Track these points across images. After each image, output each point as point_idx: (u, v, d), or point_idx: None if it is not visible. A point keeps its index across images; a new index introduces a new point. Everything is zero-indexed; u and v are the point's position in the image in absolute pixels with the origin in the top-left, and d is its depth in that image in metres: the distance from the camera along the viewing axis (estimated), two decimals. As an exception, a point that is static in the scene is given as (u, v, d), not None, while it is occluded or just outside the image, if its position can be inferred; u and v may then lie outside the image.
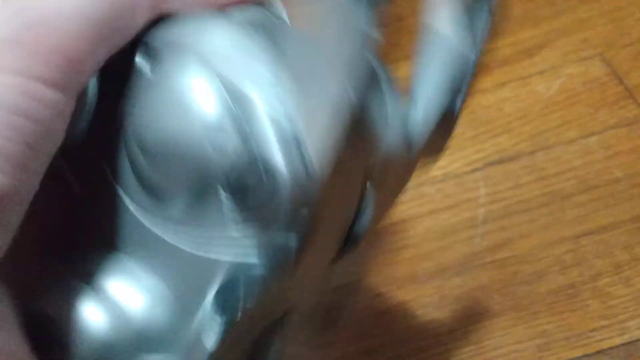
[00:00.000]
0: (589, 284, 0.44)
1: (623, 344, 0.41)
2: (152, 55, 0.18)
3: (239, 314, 0.18)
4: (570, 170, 0.50)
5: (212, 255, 0.18)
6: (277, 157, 0.17)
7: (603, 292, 0.44)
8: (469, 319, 0.44)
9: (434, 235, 0.49)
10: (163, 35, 0.19)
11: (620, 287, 0.44)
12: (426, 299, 0.46)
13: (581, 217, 0.47)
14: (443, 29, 0.25)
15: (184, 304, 0.19)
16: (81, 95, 0.18)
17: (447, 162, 0.53)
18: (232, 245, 0.18)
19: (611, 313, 0.43)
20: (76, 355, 0.19)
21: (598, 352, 0.41)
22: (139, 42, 0.19)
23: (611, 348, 0.41)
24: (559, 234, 0.47)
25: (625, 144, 0.51)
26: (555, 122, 0.53)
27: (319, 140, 0.17)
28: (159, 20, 0.19)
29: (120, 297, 0.19)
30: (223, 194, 0.17)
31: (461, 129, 0.54)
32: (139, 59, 0.19)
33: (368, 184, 0.22)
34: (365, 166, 0.22)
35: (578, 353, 0.42)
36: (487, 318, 0.44)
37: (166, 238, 0.19)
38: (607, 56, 0.57)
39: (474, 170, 0.52)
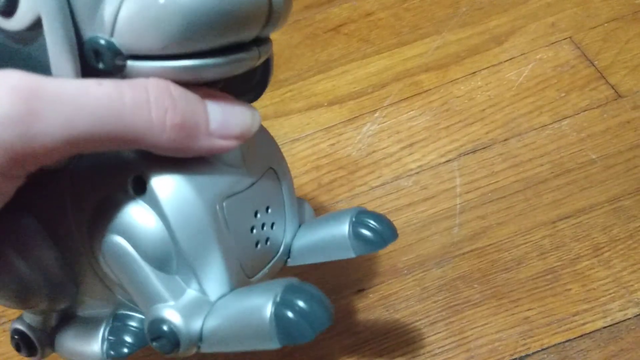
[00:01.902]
0: (568, 268, 0.44)
1: (606, 327, 0.41)
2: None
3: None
4: (544, 155, 0.50)
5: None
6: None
7: (583, 276, 0.44)
8: (451, 310, 0.44)
9: (413, 228, 0.49)
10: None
11: (600, 269, 0.44)
12: (408, 292, 0.46)
13: (557, 202, 0.47)
14: None
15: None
16: None
17: (422, 155, 0.53)
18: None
19: (592, 296, 0.43)
20: None
21: (581, 336, 0.41)
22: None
23: (594, 331, 0.41)
24: (536, 220, 0.47)
25: (598, 126, 0.51)
26: (527, 108, 0.53)
27: None
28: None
29: None
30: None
31: (435, 121, 0.54)
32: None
33: None
34: None
35: (561, 338, 0.42)
36: (468, 308, 0.44)
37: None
38: (576, 39, 0.57)
39: (448, 161, 0.52)
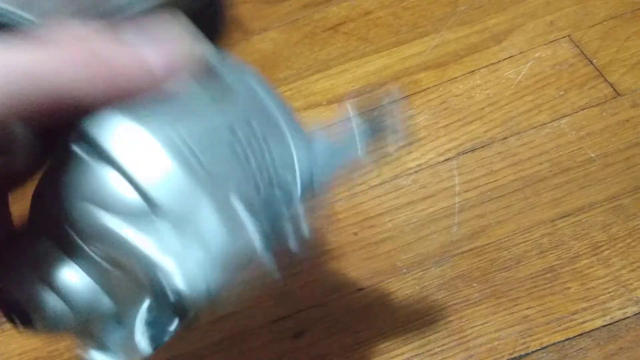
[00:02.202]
0: (567, 267, 0.44)
1: (605, 325, 0.41)
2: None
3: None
4: (543, 154, 0.50)
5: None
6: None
7: (582, 274, 0.44)
8: (450, 309, 0.44)
9: (412, 227, 0.49)
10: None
11: (600, 268, 0.44)
12: (407, 291, 0.46)
13: (556, 200, 0.47)
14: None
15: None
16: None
17: (421, 153, 0.53)
18: None
19: (592, 295, 0.43)
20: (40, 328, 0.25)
21: (581, 335, 0.41)
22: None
23: (593, 330, 0.41)
24: (536, 218, 0.47)
25: (597, 124, 0.51)
26: (526, 107, 0.53)
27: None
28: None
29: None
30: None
31: (433, 119, 0.54)
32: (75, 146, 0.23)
33: None
34: None
35: (560, 337, 0.42)
36: (467, 307, 0.44)
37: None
38: (574, 37, 0.56)
39: (447, 160, 0.52)
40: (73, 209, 0.24)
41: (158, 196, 0.23)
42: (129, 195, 0.23)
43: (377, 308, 0.45)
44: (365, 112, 0.28)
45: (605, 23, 0.57)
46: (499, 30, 0.59)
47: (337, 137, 0.30)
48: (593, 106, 0.52)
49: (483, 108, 0.54)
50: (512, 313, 0.43)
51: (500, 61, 0.57)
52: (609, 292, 0.43)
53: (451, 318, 0.44)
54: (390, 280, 0.46)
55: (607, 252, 0.44)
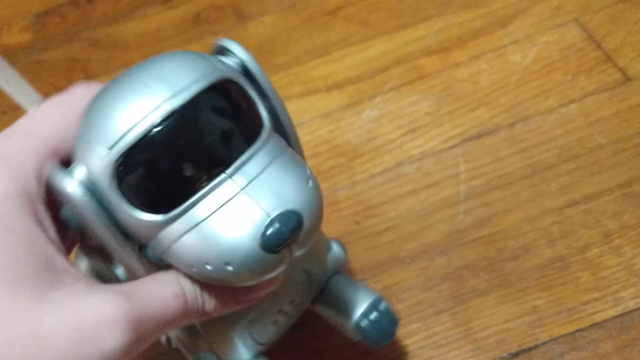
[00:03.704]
0: (578, 256, 0.43)
1: (617, 316, 0.40)
2: None
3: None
4: (551, 140, 0.48)
5: None
6: None
7: (593, 263, 0.42)
8: (456, 300, 0.43)
9: (416, 216, 0.47)
10: None
11: (611, 256, 0.42)
12: (411, 282, 0.44)
13: (566, 188, 0.46)
14: None
15: None
16: None
17: (424, 140, 0.51)
18: None
19: (603, 284, 0.41)
20: None
21: (592, 326, 0.40)
22: None
23: (606, 320, 0.40)
24: (544, 206, 0.45)
25: (607, 110, 0.49)
26: (533, 92, 0.51)
27: None
28: None
29: None
30: None
31: (437, 105, 0.52)
32: None
33: None
34: None
35: (571, 328, 0.40)
36: (474, 297, 0.43)
37: None
38: (582, 21, 0.55)
39: (452, 147, 0.50)
40: None
41: None
42: None
43: (380, 299, 0.44)
44: None
45: (613, 6, 0.55)
46: (504, 14, 0.57)
47: None
48: (602, 91, 0.50)
49: (488, 94, 0.52)
50: (521, 303, 0.42)
51: (505, 45, 0.55)
52: (621, 282, 0.41)
53: (457, 309, 0.42)
54: (393, 270, 0.45)
55: (618, 240, 0.43)
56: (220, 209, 0.26)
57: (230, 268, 0.26)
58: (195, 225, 0.26)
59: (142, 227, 0.26)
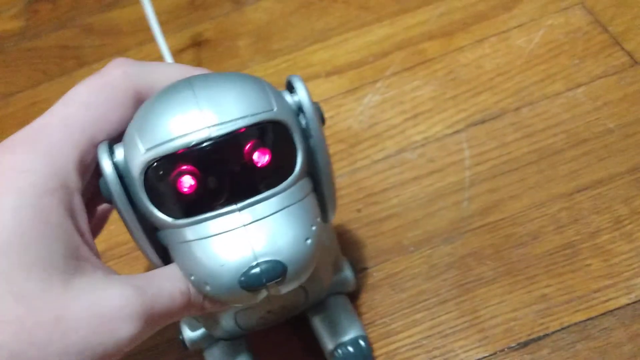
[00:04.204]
0: (588, 242, 0.41)
1: (630, 304, 0.38)
2: None
3: None
4: (558, 125, 0.47)
5: None
6: None
7: (604, 250, 0.41)
8: (462, 288, 0.41)
9: (419, 203, 0.46)
10: None
11: (622, 243, 0.41)
12: (415, 270, 0.43)
13: (574, 173, 0.44)
14: None
15: None
16: None
17: (427, 126, 0.49)
18: None
19: (615, 271, 0.40)
20: None
21: (604, 314, 0.38)
22: None
23: (618, 309, 0.38)
24: (552, 192, 0.44)
25: (615, 93, 0.48)
26: (539, 76, 0.50)
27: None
28: None
29: None
30: None
31: (440, 90, 0.51)
32: None
33: None
34: None
35: (582, 316, 0.39)
36: (481, 286, 0.41)
37: None
38: (588, 5, 0.53)
39: (456, 132, 0.49)
40: None
41: None
42: None
43: (383, 288, 0.42)
44: None
45: (619, -10, 0.54)
46: (507, -2, 0.56)
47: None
48: (610, 75, 0.49)
49: (493, 78, 0.51)
50: (529, 292, 0.40)
51: (510, 29, 0.54)
52: (634, 268, 0.40)
53: (463, 298, 0.41)
54: (396, 258, 0.43)
55: (630, 226, 0.41)
56: (218, 235, 0.27)
57: (208, 288, 0.28)
58: (194, 240, 0.28)
59: (155, 220, 0.28)
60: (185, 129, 0.26)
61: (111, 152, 0.28)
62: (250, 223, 0.27)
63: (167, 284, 0.28)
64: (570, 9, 0.53)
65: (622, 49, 0.50)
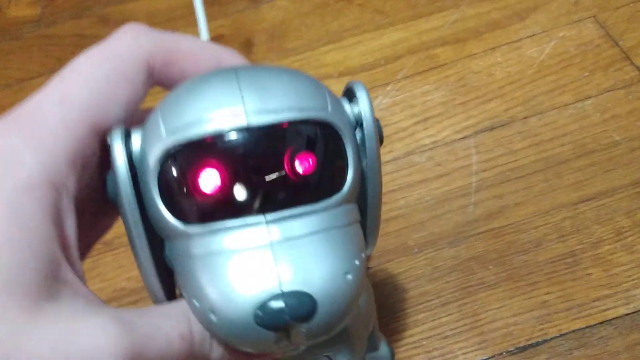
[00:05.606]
0: (589, 252, 0.42)
1: (628, 314, 0.39)
2: None
3: None
4: (565, 135, 0.48)
5: None
6: None
7: (605, 260, 0.42)
8: (464, 291, 0.42)
9: (425, 205, 0.46)
10: None
11: (623, 254, 0.42)
12: (418, 271, 0.43)
13: (579, 183, 0.45)
14: None
15: None
16: None
17: (437, 130, 0.50)
18: None
19: (614, 282, 0.41)
20: None
21: (602, 323, 0.39)
22: None
23: (616, 318, 0.39)
24: (557, 201, 0.45)
25: (623, 107, 0.48)
26: (549, 86, 0.51)
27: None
28: None
29: None
30: None
31: (450, 96, 0.52)
32: None
33: None
34: None
35: (581, 324, 0.39)
36: (482, 290, 0.42)
37: None
38: (600, 18, 0.54)
39: (464, 138, 0.49)
40: None
41: None
42: None
43: (386, 288, 0.43)
44: None
45: (632, 5, 0.55)
46: (521, 8, 0.56)
47: None
48: (619, 88, 0.50)
49: (503, 86, 0.52)
50: (530, 298, 0.41)
51: (522, 39, 0.54)
52: (633, 280, 0.40)
53: (465, 300, 0.42)
54: (400, 259, 0.44)
55: (631, 238, 0.42)
56: (236, 251, 0.21)
57: (213, 317, 0.22)
58: (205, 254, 0.22)
59: (162, 226, 0.23)
60: (218, 113, 0.21)
61: (127, 140, 0.23)
62: (278, 241, 0.22)
63: (165, 324, 0.22)
64: (582, 22, 0.54)
65: (632, 63, 0.51)
